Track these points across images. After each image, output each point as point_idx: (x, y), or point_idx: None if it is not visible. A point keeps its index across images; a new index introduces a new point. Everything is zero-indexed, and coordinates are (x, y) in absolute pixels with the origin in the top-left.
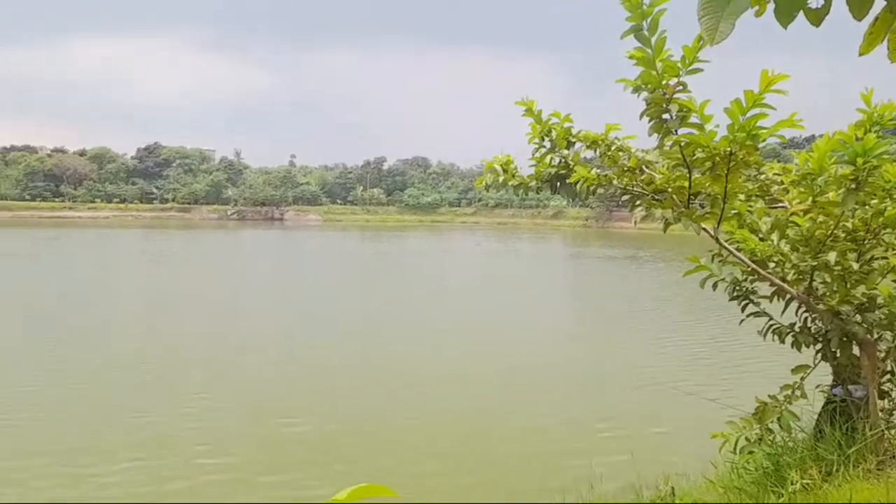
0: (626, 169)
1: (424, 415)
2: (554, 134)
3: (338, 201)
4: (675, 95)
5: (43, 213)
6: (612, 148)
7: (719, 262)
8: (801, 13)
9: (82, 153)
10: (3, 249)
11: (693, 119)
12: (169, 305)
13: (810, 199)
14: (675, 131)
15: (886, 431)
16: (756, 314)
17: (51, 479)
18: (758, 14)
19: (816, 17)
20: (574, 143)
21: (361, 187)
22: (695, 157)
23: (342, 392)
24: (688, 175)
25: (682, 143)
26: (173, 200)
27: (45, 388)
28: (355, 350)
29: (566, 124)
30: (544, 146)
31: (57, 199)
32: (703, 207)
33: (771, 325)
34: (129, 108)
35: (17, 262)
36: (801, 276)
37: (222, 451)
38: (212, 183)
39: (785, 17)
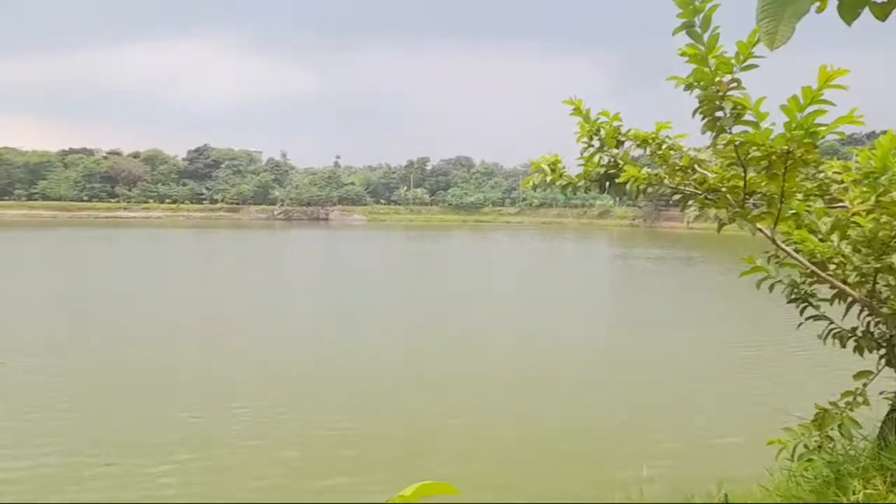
0: (677, 168)
1: (473, 415)
2: (602, 133)
3: (382, 201)
4: (729, 93)
5: (99, 213)
6: (663, 147)
7: (776, 263)
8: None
9: (136, 155)
10: (61, 249)
11: (748, 117)
12: (216, 305)
13: (873, 198)
14: (729, 129)
15: None
16: (815, 317)
17: (105, 480)
18: (819, 10)
19: (882, 11)
20: (623, 142)
21: (405, 187)
22: (750, 156)
23: (391, 393)
24: (742, 174)
25: (737, 142)
26: (222, 201)
27: (98, 387)
28: (402, 350)
29: (615, 123)
30: (593, 145)
31: (112, 200)
32: (757, 207)
33: (831, 329)
34: (179, 110)
35: (70, 262)
36: (863, 279)
37: (272, 452)
38: (259, 184)
39: (849, 14)
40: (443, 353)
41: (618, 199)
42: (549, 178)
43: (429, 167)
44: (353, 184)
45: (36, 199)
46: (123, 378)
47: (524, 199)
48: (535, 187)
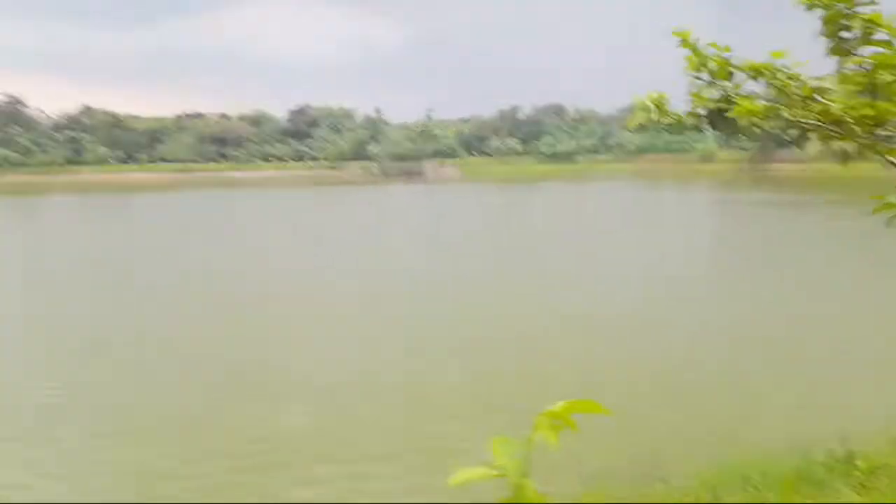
0: (797, 98)
1: (575, 365)
2: (712, 65)
3: (474, 153)
4: (858, 9)
5: (214, 174)
6: (779, 76)
7: None
8: None
9: (242, 118)
10: (194, 211)
11: (880, 35)
12: (330, 264)
13: None
14: (858, 52)
15: None
16: None
17: (241, 419)
18: None
19: None
20: (735, 73)
21: (497, 138)
22: (882, 80)
23: (495, 342)
24: (874, 102)
25: (868, 66)
26: (323, 158)
27: (223, 341)
28: (501, 298)
29: (725, 54)
30: (701, 79)
31: (224, 161)
32: (889, 139)
33: None
34: (279, 71)
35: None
36: None
37: (384, 398)
38: (356, 140)
39: None
40: (541, 302)
41: (722, 141)
42: (653, 117)
43: (520, 116)
44: (445, 137)
45: (156, 163)
46: (244, 330)
47: (620, 146)
48: (639, 126)
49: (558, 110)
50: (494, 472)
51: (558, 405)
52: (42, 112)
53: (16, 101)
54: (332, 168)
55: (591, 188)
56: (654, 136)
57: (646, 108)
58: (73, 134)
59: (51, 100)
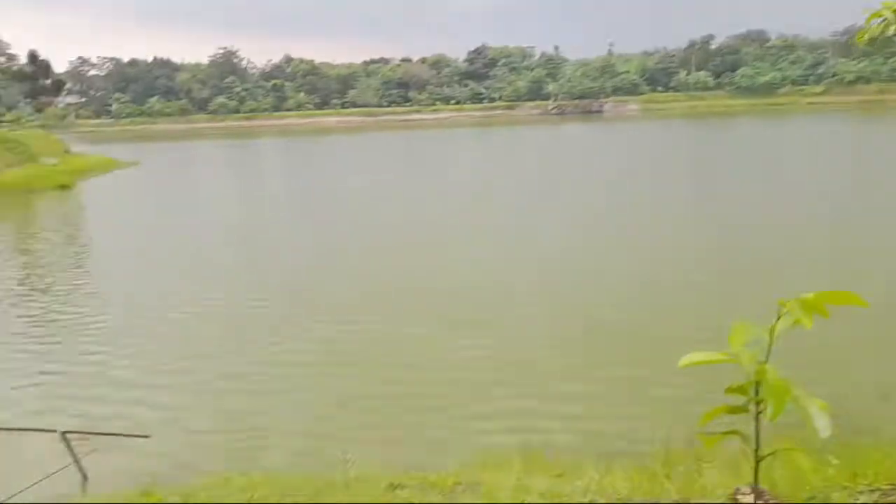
0: None
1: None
2: None
3: (658, 88)
4: None
5: (397, 117)
6: None
7: None
8: None
9: (423, 61)
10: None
11: None
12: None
13: None
14: None
15: None
16: None
17: (419, 344)
18: None
19: None
20: None
21: (685, 71)
22: None
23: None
24: None
25: None
26: (500, 99)
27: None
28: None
29: None
30: None
31: (406, 104)
32: None
33: None
34: (456, 13)
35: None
36: None
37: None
38: (533, 79)
39: None
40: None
41: None
42: (893, 28)
43: (713, 46)
44: (627, 72)
45: (347, 107)
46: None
47: (834, 76)
48: (873, 40)
49: (759, 37)
50: (725, 357)
51: (811, 294)
52: (252, 63)
53: (230, 54)
54: (510, 108)
55: (798, 123)
56: (879, 63)
57: (883, 19)
58: (276, 82)
59: (258, 52)
